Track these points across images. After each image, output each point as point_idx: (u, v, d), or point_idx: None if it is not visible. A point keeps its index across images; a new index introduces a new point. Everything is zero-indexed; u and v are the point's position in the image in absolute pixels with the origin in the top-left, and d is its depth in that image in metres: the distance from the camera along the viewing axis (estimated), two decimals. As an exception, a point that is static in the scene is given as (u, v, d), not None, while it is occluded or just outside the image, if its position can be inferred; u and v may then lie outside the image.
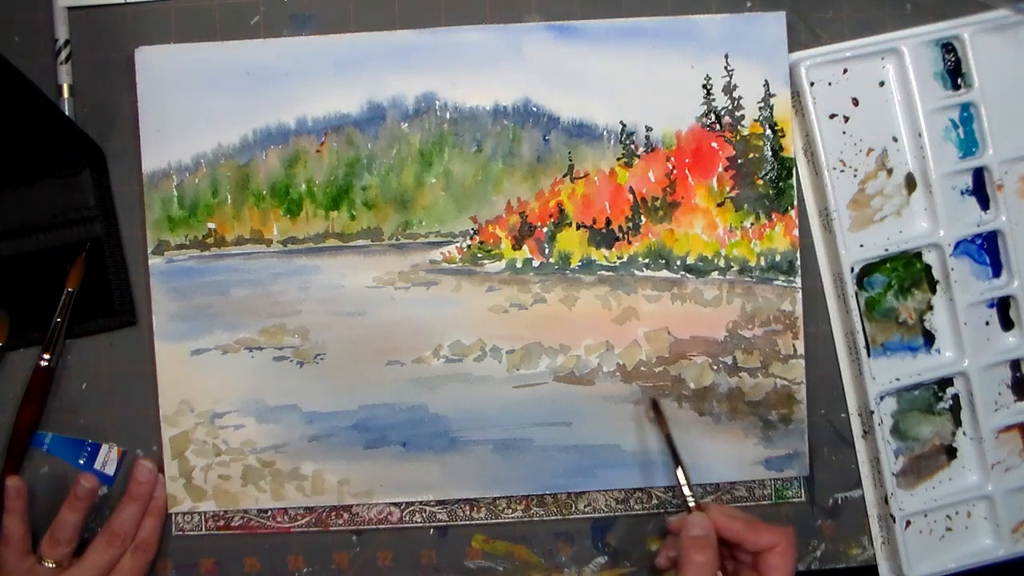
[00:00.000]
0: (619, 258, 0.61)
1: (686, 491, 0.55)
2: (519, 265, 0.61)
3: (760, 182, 0.61)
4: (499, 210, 0.61)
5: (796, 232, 0.61)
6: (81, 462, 0.60)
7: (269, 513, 0.61)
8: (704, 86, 0.61)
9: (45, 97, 0.55)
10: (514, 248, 0.61)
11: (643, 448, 0.61)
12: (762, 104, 0.61)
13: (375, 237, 0.60)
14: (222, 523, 0.61)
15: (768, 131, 0.61)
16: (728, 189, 0.61)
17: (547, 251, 0.61)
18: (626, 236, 0.61)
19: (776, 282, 0.61)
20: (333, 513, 0.61)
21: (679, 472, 0.56)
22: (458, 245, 0.61)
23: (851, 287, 0.60)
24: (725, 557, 0.54)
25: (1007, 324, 0.62)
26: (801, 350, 0.61)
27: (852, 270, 0.61)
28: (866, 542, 0.62)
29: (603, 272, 0.61)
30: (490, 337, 0.60)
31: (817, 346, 0.62)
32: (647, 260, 0.61)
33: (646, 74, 0.60)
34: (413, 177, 0.60)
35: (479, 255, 0.61)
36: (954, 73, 0.61)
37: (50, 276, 0.59)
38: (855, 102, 0.61)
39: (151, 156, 0.60)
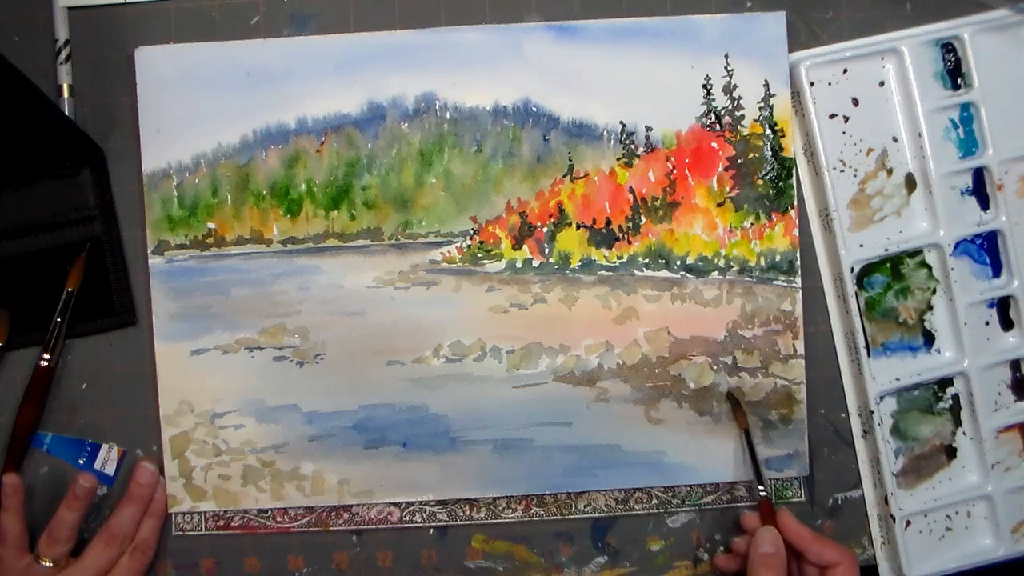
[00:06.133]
0: (619, 258, 0.61)
1: (760, 488, 0.57)
2: (519, 265, 0.61)
3: (760, 182, 0.61)
4: (499, 210, 0.61)
5: (796, 232, 0.61)
6: (81, 462, 0.60)
7: (269, 513, 0.61)
8: (704, 86, 0.61)
9: (45, 97, 0.55)
10: (514, 248, 0.61)
11: (643, 448, 0.61)
12: (762, 104, 0.61)
13: (375, 237, 0.60)
14: (222, 523, 0.61)
15: (768, 131, 0.61)
16: (728, 189, 0.61)
17: (547, 251, 0.61)
18: (626, 236, 0.61)
19: (776, 282, 0.61)
20: (333, 513, 0.61)
21: (754, 468, 0.58)
22: (458, 245, 0.61)
23: (851, 287, 0.60)
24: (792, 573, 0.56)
25: (1007, 324, 0.62)
26: (801, 350, 0.61)
27: (852, 270, 0.61)
28: (866, 542, 0.62)
29: (603, 272, 0.61)
30: (490, 337, 0.60)
31: (817, 346, 0.62)
32: (647, 260, 0.61)
33: (646, 74, 0.60)
34: (413, 177, 0.60)
35: (479, 255, 0.61)
36: (954, 73, 0.61)
37: (50, 276, 0.59)
38: (855, 102, 0.61)
39: (151, 156, 0.60)
